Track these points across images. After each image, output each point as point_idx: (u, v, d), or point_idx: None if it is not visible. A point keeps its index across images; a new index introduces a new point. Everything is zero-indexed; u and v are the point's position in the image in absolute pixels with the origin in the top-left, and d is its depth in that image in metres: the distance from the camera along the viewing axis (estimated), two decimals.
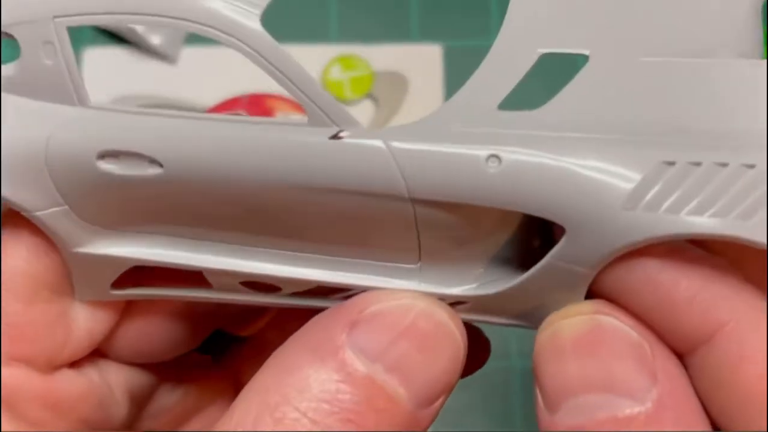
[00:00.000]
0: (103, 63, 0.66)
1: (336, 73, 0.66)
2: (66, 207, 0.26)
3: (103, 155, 0.25)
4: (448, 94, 0.54)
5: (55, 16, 0.25)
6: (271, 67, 0.24)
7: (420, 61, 0.66)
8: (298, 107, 0.64)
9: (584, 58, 0.24)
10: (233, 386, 0.35)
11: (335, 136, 0.24)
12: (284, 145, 0.24)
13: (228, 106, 0.64)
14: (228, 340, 0.36)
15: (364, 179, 0.24)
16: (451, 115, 0.24)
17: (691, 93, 0.23)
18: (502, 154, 0.23)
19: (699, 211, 0.22)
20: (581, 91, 0.24)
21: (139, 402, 0.33)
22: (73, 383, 0.29)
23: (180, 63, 0.66)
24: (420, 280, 0.26)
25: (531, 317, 0.25)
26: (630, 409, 0.22)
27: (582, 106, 0.24)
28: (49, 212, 0.26)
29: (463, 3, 0.67)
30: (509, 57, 0.24)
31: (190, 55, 0.66)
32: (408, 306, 0.25)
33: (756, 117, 0.23)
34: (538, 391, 0.24)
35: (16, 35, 0.25)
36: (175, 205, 0.26)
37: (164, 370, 0.34)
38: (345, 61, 0.66)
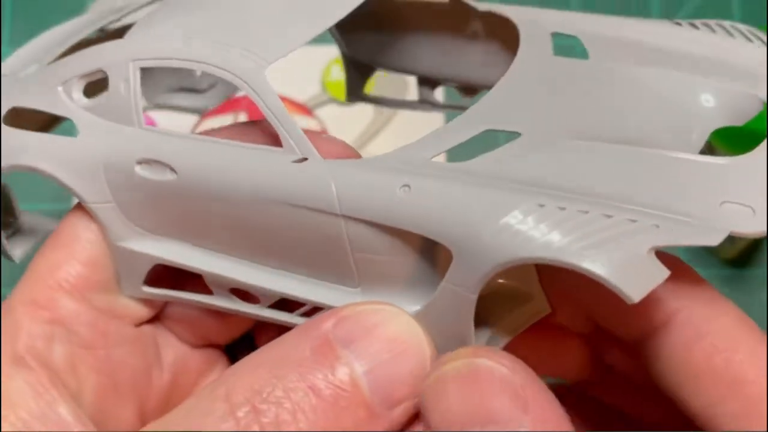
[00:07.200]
0: None
1: (336, 74, 0.67)
2: (114, 204, 0.33)
3: (140, 162, 0.32)
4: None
5: (133, 60, 0.32)
6: (266, 108, 0.31)
7: None
8: (297, 108, 0.66)
9: (517, 134, 0.30)
10: None
11: (299, 160, 0.30)
12: (262, 164, 0.30)
13: (229, 106, 0.66)
14: None
15: (312, 195, 0.29)
16: (393, 158, 0.29)
17: (584, 168, 0.28)
18: (412, 184, 0.28)
19: (555, 239, 0.26)
20: (504, 155, 0.29)
21: (184, 385, 0.37)
22: (123, 327, 0.35)
23: None
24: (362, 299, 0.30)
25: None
26: None
27: (499, 166, 0.28)
28: (101, 205, 0.33)
29: None
30: (459, 129, 0.30)
31: None
32: (390, 313, 0.29)
33: (615, 184, 0.27)
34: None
35: (108, 72, 0.33)
36: (187, 212, 0.32)
37: (215, 364, 0.39)
38: None
